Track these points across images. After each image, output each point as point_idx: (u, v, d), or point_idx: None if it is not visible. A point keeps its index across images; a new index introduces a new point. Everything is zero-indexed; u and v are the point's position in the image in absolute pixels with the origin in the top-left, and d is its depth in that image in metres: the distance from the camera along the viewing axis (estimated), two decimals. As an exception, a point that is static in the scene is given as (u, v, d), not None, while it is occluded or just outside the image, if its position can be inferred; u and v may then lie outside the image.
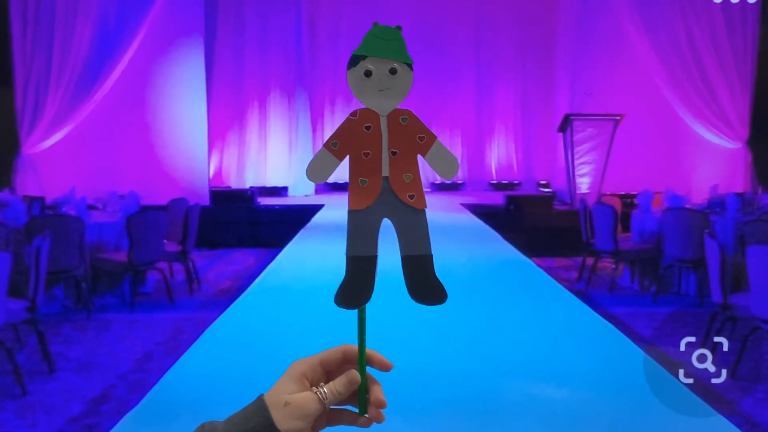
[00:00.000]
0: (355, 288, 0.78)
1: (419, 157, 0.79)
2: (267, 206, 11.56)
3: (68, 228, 5.97)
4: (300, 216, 10.27)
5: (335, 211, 10.94)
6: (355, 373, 0.78)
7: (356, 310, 0.80)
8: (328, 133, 14.77)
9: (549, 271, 7.18)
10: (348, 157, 0.78)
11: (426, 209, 0.78)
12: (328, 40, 14.56)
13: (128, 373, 4.68)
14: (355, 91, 0.76)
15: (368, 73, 0.76)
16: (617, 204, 8.09)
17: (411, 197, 0.77)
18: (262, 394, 0.76)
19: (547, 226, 9.97)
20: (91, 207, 7.44)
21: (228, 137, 13.88)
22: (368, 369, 0.80)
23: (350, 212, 0.77)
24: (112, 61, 10.67)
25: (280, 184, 13.83)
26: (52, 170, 10.68)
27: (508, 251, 7.13)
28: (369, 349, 0.80)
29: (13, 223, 5.96)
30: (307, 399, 0.75)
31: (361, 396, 0.79)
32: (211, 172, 12.67)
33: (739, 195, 7.77)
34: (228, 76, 13.72)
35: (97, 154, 10.93)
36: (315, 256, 7.18)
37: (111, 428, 3.09)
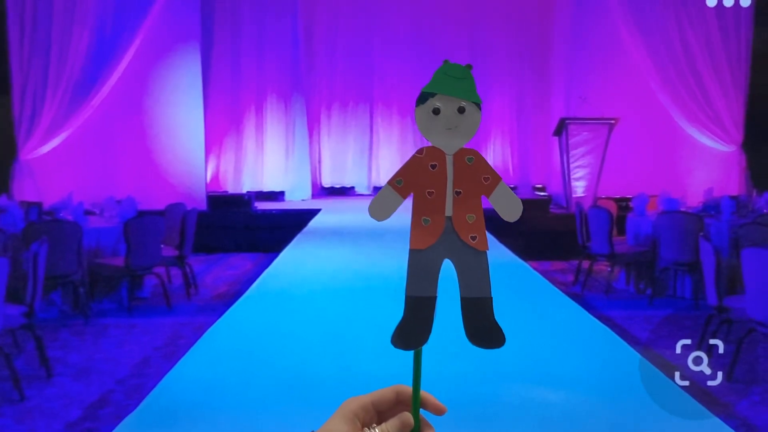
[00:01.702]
0: (414, 329, 0.76)
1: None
2: (264, 211, 11.57)
3: (66, 233, 5.98)
4: (297, 220, 10.28)
5: (332, 215, 10.96)
6: (408, 416, 0.76)
7: (412, 351, 0.78)
8: (324, 137, 14.84)
9: (545, 274, 7.20)
10: (411, 195, 0.77)
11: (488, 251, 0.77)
12: (324, 45, 14.57)
13: (126, 378, 4.69)
14: (422, 129, 0.76)
15: (436, 111, 0.76)
16: (613, 207, 8.11)
17: (473, 238, 0.77)
18: (314, 431, 0.75)
19: (543, 229, 9.99)
20: (88, 212, 7.44)
21: (225, 142, 13.87)
22: (421, 411, 0.78)
23: (411, 251, 0.76)
24: (109, 67, 10.67)
25: (277, 188, 13.83)
26: (49, 176, 10.67)
27: (504, 255, 7.15)
28: (423, 392, 0.78)
29: (10, 229, 5.96)
30: None
31: None
32: (208, 177, 12.67)
33: (734, 198, 7.80)
34: (225, 82, 13.73)
35: (95, 159, 10.93)
36: (312, 261, 7.20)
37: (110, 433, 3.10)
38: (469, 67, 0.78)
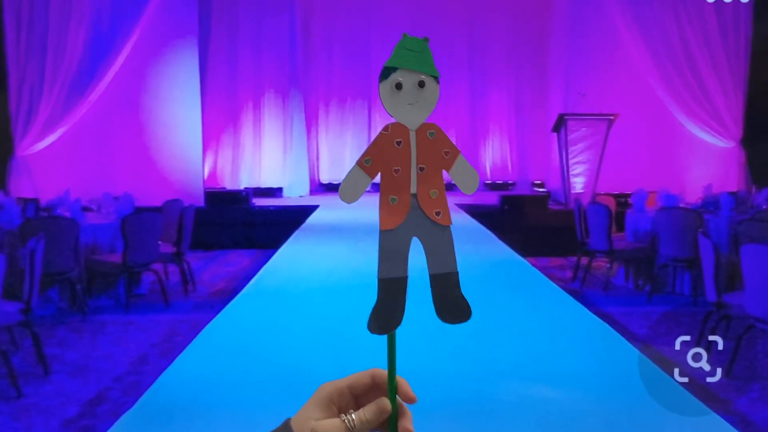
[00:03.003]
0: (388, 312, 0.75)
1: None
2: (262, 207, 11.56)
3: (63, 230, 5.96)
4: (295, 217, 10.27)
5: (330, 212, 10.95)
6: (385, 402, 0.75)
7: (386, 335, 0.77)
8: (322, 133, 14.84)
9: (544, 270, 7.19)
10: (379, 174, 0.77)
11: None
12: (322, 41, 14.56)
13: (123, 375, 4.67)
14: (386, 105, 0.76)
15: (399, 86, 0.75)
16: (611, 203, 8.10)
17: (438, 214, 0.77)
18: (289, 419, 0.74)
19: (542, 226, 9.98)
20: (85, 209, 7.42)
21: (222, 138, 13.86)
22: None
23: (382, 233, 0.75)
24: (106, 63, 10.65)
25: (274, 185, 13.82)
26: (46, 172, 10.65)
27: (503, 251, 7.14)
28: (398, 377, 0.77)
29: (7, 225, 5.94)
30: (334, 427, 0.72)
31: (391, 425, 0.76)
32: (206, 174, 12.66)
33: (733, 194, 7.80)
34: (222, 78, 13.71)
35: (92, 155, 10.91)
36: (310, 257, 7.19)
37: (106, 430, 3.08)
38: (426, 39, 0.77)
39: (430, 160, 0.77)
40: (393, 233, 0.75)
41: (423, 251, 0.77)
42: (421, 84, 0.76)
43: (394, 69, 0.76)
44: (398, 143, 0.76)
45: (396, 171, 0.76)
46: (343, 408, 0.75)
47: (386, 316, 0.76)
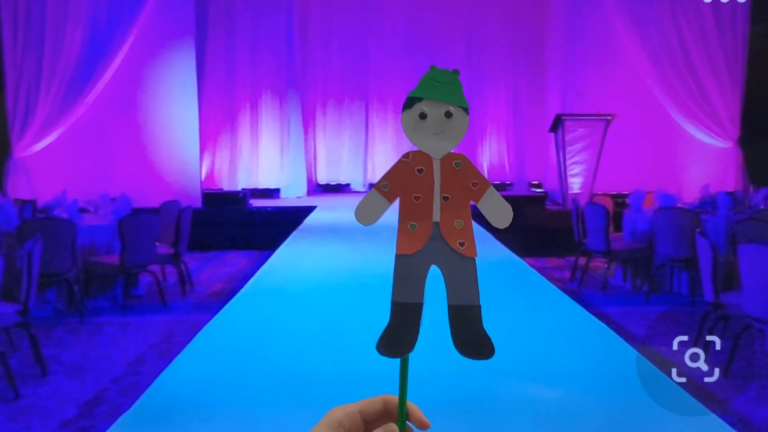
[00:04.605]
0: (400, 336, 0.74)
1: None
2: (259, 208, 11.55)
3: (60, 231, 5.95)
4: (292, 218, 10.27)
5: (327, 212, 10.94)
6: (394, 428, 0.74)
7: (398, 359, 0.75)
8: (320, 134, 14.82)
9: (541, 271, 7.20)
10: (398, 199, 0.75)
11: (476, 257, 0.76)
12: (319, 41, 14.55)
13: (121, 376, 4.67)
14: (408, 133, 0.75)
15: (423, 116, 0.74)
16: (609, 204, 8.10)
17: (461, 245, 0.75)
18: None
19: (540, 226, 9.98)
20: (82, 210, 7.41)
21: (220, 139, 13.85)
22: (408, 423, 0.76)
23: (398, 257, 0.74)
24: (103, 64, 10.64)
25: (272, 185, 13.81)
26: (43, 173, 10.64)
27: (500, 251, 7.14)
28: (409, 403, 0.75)
29: (4, 227, 5.94)
30: None
31: None
32: (203, 174, 12.64)
33: (730, 194, 7.80)
34: (219, 78, 13.70)
35: (89, 156, 10.89)
36: (308, 258, 7.18)
37: (104, 431, 3.08)
38: (456, 72, 0.75)
39: (455, 190, 0.75)
40: (409, 258, 0.74)
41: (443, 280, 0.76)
42: (448, 114, 0.74)
43: (419, 99, 0.74)
44: (419, 171, 0.75)
45: (416, 198, 0.75)
46: None
47: (397, 339, 0.74)
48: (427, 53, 13.89)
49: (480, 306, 0.75)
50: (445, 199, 0.75)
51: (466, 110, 0.75)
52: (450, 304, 0.75)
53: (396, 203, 0.76)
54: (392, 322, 0.74)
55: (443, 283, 0.76)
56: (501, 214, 0.77)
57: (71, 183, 9.86)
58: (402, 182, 0.75)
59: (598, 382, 3.61)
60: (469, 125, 0.76)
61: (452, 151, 0.76)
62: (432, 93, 0.75)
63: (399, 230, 0.75)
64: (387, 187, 0.75)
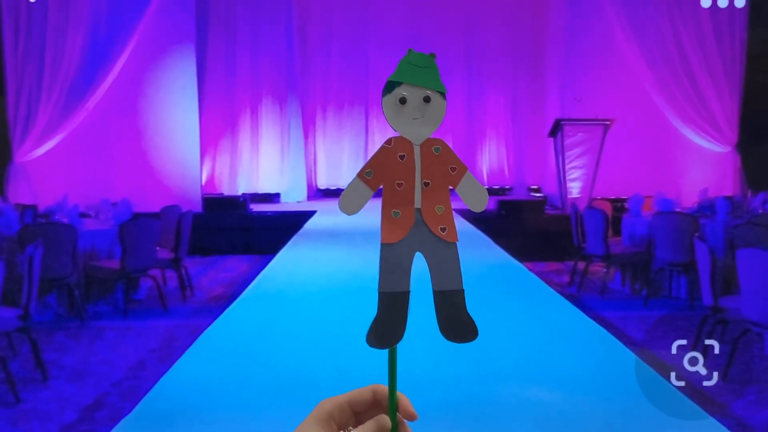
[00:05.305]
0: (389, 326, 0.74)
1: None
2: (259, 213, 11.56)
3: (61, 236, 5.97)
4: (293, 222, 10.27)
5: (328, 217, 10.95)
6: (385, 419, 0.73)
7: (386, 350, 0.76)
8: (320, 139, 14.84)
9: (541, 275, 7.21)
10: (381, 187, 0.76)
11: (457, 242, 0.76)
12: (319, 46, 14.58)
13: (121, 380, 4.68)
14: (389, 119, 0.75)
15: (403, 101, 0.75)
16: (608, 208, 8.13)
17: (443, 230, 0.75)
18: None
19: (539, 230, 10.00)
20: (83, 215, 7.43)
21: (220, 144, 13.87)
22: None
23: (383, 246, 0.74)
24: (104, 69, 10.66)
25: (272, 190, 13.82)
26: (44, 178, 10.66)
27: (499, 256, 7.15)
28: (399, 393, 0.75)
29: (5, 231, 5.96)
30: None
31: None
32: (204, 179, 12.65)
33: (729, 198, 7.83)
34: (220, 83, 13.72)
35: (90, 162, 10.92)
36: (308, 262, 7.19)
37: (105, 435, 3.09)
38: (433, 56, 0.77)
39: (435, 175, 0.76)
40: (394, 247, 0.75)
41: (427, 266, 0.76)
42: (427, 99, 0.75)
43: (398, 83, 0.75)
44: (401, 157, 0.75)
45: (399, 185, 0.75)
46: (342, 424, 0.74)
47: (386, 330, 0.75)
48: (426, 58, 13.89)
49: (464, 290, 0.76)
50: (426, 185, 0.76)
51: (443, 95, 0.76)
52: (435, 290, 0.75)
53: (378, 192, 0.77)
54: (380, 313, 0.74)
55: (425, 270, 0.76)
56: (478, 198, 0.77)
57: (72, 188, 9.89)
58: (385, 169, 0.75)
59: (597, 385, 3.63)
60: (446, 110, 0.77)
61: (431, 136, 0.76)
62: (410, 77, 0.76)
63: (383, 218, 0.75)
64: (370, 175, 0.75)
